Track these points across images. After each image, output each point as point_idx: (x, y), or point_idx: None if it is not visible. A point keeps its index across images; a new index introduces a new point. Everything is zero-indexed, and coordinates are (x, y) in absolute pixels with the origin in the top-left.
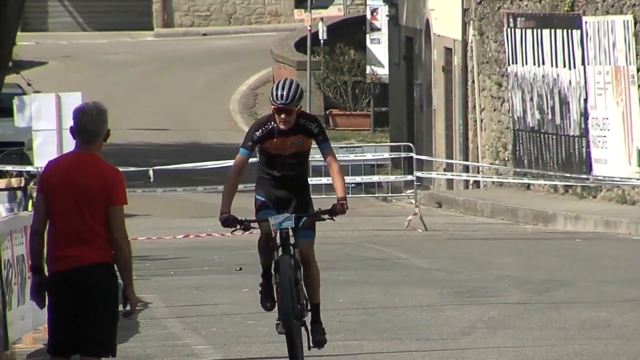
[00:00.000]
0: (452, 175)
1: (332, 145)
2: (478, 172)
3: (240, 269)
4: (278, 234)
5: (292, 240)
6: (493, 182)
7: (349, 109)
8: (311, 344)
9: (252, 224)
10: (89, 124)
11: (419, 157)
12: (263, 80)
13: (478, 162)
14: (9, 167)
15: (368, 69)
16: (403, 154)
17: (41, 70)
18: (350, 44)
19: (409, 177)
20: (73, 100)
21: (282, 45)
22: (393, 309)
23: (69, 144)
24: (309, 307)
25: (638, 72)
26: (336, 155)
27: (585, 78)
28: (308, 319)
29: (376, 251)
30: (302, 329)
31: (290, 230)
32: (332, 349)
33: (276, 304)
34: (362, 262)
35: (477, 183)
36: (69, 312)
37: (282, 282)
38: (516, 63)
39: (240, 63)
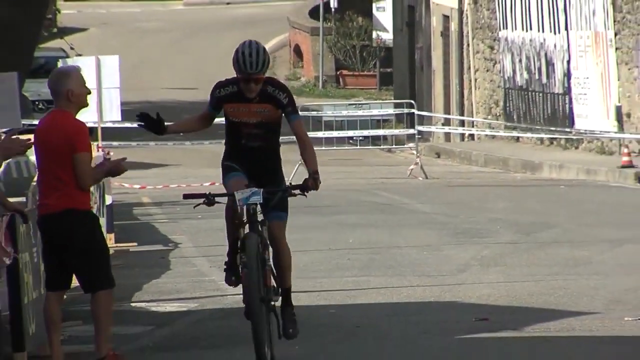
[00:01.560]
0: (449, 129)
1: (301, 117)
2: (473, 126)
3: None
4: (245, 210)
5: (260, 217)
6: (486, 135)
7: (357, 70)
8: (281, 334)
9: (217, 199)
10: (50, 84)
11: (419, 112)
12: (281, 44)
13: (472, 117)
14: None
15: (374, 34)
16: (405, 110)
17: (82, 35)
18: (359, 11)
19: (411, 131)
20: (111, 62)
21: (298, 13)
22: (397, 249)
23: (107, 103)
24: (279, 291)
25: (615, 36)
26: (306, 131)
27: (568, 42)
28: (279, 305)
29: (382, 197)
30: (273, 315)
31: (258, 206)
32: (342, 284)
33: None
34: (369, 206)
35: (471, 136)
36: (52, 253)
37: (248, 263)
38: (506, 28)
39: (260, 29)
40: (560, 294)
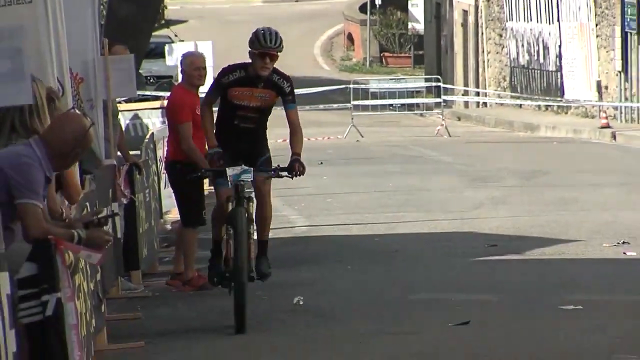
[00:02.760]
0: (467, 98)
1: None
2: (485, 96)
3: (322, 163)
4: (233, 186)
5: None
6: (496, 103)
7: (396, 52)
8: (256, 276)
9: (208, 172)
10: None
11: (444, 85)
12: (337, 33)
13: (485, 89)
14: (161, 93)
15: (409, 25)
16: (434, 84)
17: (184, 26)
18: (397, 7)
19: (438, 100)
20: (206, 47)
21: (350, 9)
22: (426, 191)
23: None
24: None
25: (596, 26)
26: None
27: (559, 30)
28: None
29: (415, 150)
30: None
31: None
32: (384, 219)
33: (222, 258)
34: (405, 158)
35: (485, 104)
36: None
37: (239, 236)
38: (512, 20)
39: (321, 21)
40: (553, 225)
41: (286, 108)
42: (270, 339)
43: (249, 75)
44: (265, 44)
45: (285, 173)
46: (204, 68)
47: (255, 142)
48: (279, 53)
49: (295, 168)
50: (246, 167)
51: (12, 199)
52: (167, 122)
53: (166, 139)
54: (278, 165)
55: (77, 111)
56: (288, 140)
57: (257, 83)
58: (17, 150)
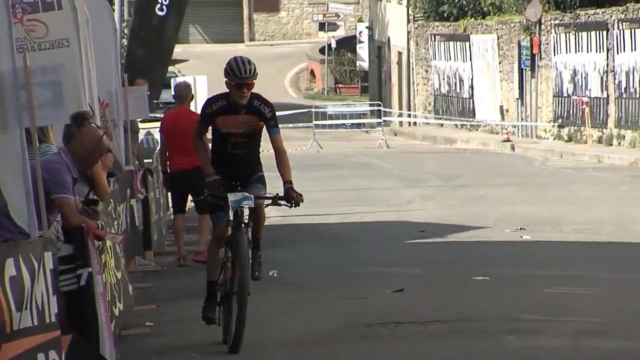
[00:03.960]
0: (401, 119)
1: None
2: (415, 117)
3: None
4: (233, 211)
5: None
6: (423, 122)
7: (347, 84)
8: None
9: (211, 199)
10: (179, 92)
11: (384, 109)
12: (302, 69)
13: (415, 112)
14: None
15: (357, 63)
16: (376, 108)
17: (185, 64)
18: (348, 50)
19: (379, 120)
20: (202, 80)
21: (313, 51)
22: (371, 190)
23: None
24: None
25: (499, 64)
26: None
27: (472, 67)
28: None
29: (362, 159)
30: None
31: (245, 210)
32: (339, 210)
33: (216, 302)
34: (355, 164)
35: (415, 123)
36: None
37: (242, 258)
38: (435, 59)
39: (290, 60)
40: (467, 216)
41: (271, 134)
42: (250, 302)
43: (230, 104)
44: (240, 75)
45: (284, 202)
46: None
47: (247, 166)
48: (254, 81)
49: (294, 197)
50: (247, 194)
51: (49, 195)
52: (181, 134)
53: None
54: (277, 194)
55: (95, 125)
56: (276, 167)
57: (239, 110)
58: (51, 158)
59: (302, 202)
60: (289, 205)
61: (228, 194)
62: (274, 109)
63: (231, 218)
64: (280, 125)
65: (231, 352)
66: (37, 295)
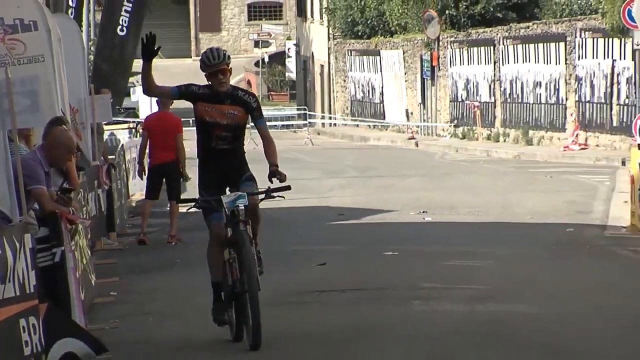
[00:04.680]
0: (324, 120)
1: (264, 117)
2: (335, 119)
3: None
4: (229, 211)
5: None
6: (342, 123)
7: (278, 91)
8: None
9: (203, 203)
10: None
11: (309, 112)
12: (240, 80)
13: (335, 115)
14: (128, 119)
15: (287, 74)
16: (302, 112)
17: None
18: (279, 63)
19: (305, 122)
20: None
21: (249, 64)
22: (299, 180)
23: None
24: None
25: (405, 74)
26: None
27: (382, 77)
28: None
29: (291, 154)
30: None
31: (241, 209)
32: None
33: (223, 302)
34: (285, 159)
35: (335, 124)
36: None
37: (247, 256)
38: (352, 71)
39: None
40: (379, 201)
41: (256, 123)
42: (195, 274)
43: (213, 93)
44: (211, 62)
45: (278, 194)
46: None
47: (234, 162)
48: (229, 67)
49: (279, 174)
50: (240, 193)
51: (26, 186)
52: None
53: (134, 147)
54: (269, 187)
55: (64, 126)
56: (264, 153)
57: (223, 100)
58: (27, 156)
59: (285, 180)
60: (282, 196)
61: (222, 197)
62: (257, 99)
63: (228, 219)
64: None
65: (253, 349)
66: (19, 271)
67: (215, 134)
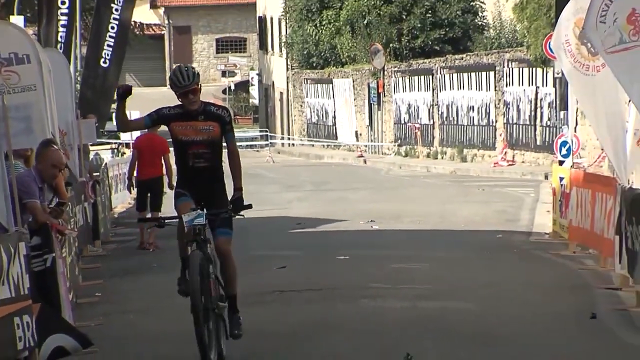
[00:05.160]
0: (283, 141)
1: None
2: (293, 140)
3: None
4: (191, 231)
5: (209, 234)
6: (299, 143)
7: (243, 115)
8: (228, 336)
9: (166, 221)
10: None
11: (270, 134)
12: None
13: (293, 135)
14: (110, 141)
15: (250, 100)
16: (265, 133)
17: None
18: (243, 90)
19: (267, 142)
20: (135, 114)
21: (217, 91)
22: (262, 193)
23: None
24: (224, 298)
25: (354, 100)
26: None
27: (334, 102)
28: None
29: (255, 171)
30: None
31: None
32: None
33: None
34: (248, 175)
35: (293, 144)
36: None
37: (191, 278)
38: (308, 97)
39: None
40: (332, 212)
41: (227, 139)
42: (169, 275)
43: (185, 111)
44: (181, 83)
45: (238, 215)
46: None
47: (212, 184)
48: (199, 85)
49: (241, 209)
50: (200, 211)
51: (21, 200)
52: (152, 152)
53: (116, 166)
54: (230, 206)
55: (54, 147)
56: (229, 168)
57: (196, 117)
58: (23, 173)
59: (249, 208)
60: (242, 215)
61: (182, 215)
62: (230, 114)
63: (189, 236)
64: None
65: None
66: (13, 274)
67: (192, 152)
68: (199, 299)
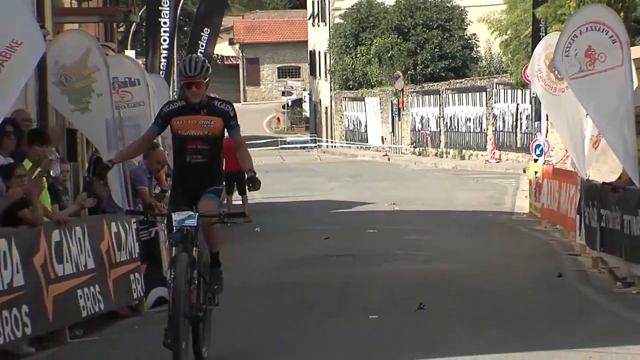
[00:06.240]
0: (328, 143)
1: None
2: (335, 143)
3: (267, 171)
4: (179, 231)
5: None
6: (341, 145)
7: (297, 124)
8: (208, 289)
9: (153, 217)
10: None
11: (318, 138)
12: (273, 117)
13: (335, 140)
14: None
15: (303, 113)
16: (314, 137)
17: None
18: (298, 105)
19: (315, 145)
20: None
21: (278, 106)
22: (310, 183)
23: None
24: (202, 307)
25: (381, 113)
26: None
27: (366, 114)
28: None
29: (306, 166)
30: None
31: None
32: (291, 195)
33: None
34: (302, 170)
35: (335, 146)
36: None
37: (176, 281)
38: (346, 111)
39: (265, 112)
40: (363, 196)
41: (232, 134)
42: (236, 245)
43: (187, 104)
44: (186, 73)
45: (231, 220)
46: None
47: (206, 177)
48: (205, 80)
49: (256, 182)
50: (191, 213)
51: (134, 187)
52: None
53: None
54: (223, 211)
55: (159, 148)
56: (238, 161)
57: (199, 110)
58: (137, 166)
59: (259, 188)
60: (236, 222)
61: (172, 214)
62: (234, 108)
63: (178, 238)
64: (259, 149)
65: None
66: (129, 242)
67: (190, 148)
68: (183, 306)
